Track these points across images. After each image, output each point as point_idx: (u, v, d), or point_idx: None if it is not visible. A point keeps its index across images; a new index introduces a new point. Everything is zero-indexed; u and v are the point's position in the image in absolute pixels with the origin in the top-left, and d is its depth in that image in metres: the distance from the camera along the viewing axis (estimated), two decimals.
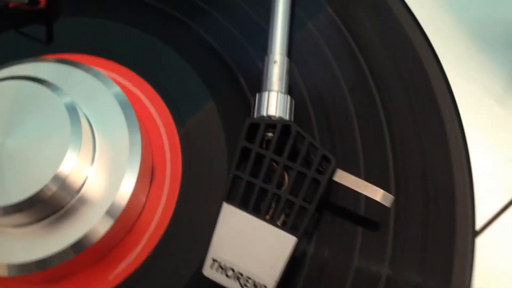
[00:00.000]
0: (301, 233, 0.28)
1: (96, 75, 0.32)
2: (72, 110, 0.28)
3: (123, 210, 0.29)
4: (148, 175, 0.32)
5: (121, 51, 0.36)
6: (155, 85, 0.35)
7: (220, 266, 0.28)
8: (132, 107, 0.31)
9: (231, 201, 0.29)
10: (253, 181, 0.29)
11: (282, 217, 0.29)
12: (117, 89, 0.32)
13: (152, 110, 0.35)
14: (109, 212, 0.29)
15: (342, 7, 0.36)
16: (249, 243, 0.28)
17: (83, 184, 0.29)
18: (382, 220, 0.31)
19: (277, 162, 0.29)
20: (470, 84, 0.38)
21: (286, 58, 0.32)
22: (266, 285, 0.28)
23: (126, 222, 0.31)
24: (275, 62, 0.32)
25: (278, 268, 0.28)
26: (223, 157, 0.33)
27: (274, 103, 0.31)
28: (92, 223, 0.28)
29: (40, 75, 0.30)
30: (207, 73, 0.35)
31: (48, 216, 0.29)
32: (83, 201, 0.29)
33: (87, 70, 0.32)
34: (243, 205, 0.29)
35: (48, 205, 0.28)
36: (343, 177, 0.29)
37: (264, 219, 0.29)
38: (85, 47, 0.36)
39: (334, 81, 0.34)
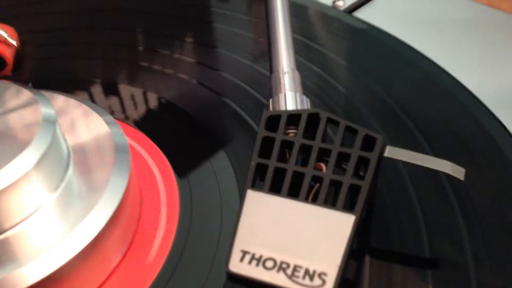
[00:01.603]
0: (360, 210, 0.20)
1: (95, 109, 0.26)
2: (48, 122, 0.22)
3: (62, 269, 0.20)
4: (127, 229, 0.24)
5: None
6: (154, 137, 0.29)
7: (254, 258, 0.19)
8: (129, 152, 0.25)
9: (258, 188, 0.22)
10: (283, 167, 0.22)
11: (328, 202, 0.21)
12: (118, 129, 0.26)
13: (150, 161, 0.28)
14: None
15: None
16: (291, 230, 0.20)
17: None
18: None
19: (307, 151, 0.23)
20: None
21: (297, 72, 0.28)
22: (326, 272, 0.19)
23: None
24: (285, 73, 0.28)
25: (338, 252, 0.19)
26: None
27: (292, 101, 0.26)
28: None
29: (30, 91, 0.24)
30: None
31: None
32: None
33: (87, 103, 0.27)
34: (274, 191, 0.21)
35: None
36: (397, 153, 0.23)
37: (306, 201, 0.21)
38: None
39: None
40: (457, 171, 0.22)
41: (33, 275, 0.19)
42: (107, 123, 0.25)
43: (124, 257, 0.24)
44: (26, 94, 0.23)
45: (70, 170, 0.23)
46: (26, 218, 0.21)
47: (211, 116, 0.30)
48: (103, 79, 0.33)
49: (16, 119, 0.22)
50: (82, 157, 0.24)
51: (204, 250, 0.23)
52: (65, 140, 0.24)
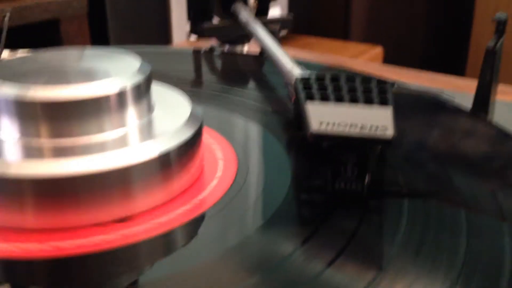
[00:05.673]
0: (392, 104, 0.28)
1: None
2: (143, 69, 0.27)
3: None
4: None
5: None
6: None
7: (329, 123, 0.26)
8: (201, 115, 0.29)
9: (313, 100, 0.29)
10: (327, 96, 0.30)
11: None
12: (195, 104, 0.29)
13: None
14: None
15: None
16: (349, 113, 0.27)
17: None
18: None
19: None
20: None
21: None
22: (386, 125, 0.26)
23: None
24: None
25: (388, 118, 0.27)
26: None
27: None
28: None
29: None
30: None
31: None
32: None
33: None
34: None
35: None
36: (403, 89, 0.31)
37: (350, 103, 0.28)
38: None
39: None
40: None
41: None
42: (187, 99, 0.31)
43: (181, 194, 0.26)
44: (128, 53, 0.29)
45: (154, 112, 0.28)
46: (110, 130, 0.25)
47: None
48: None
49: (125, 64, 0.27)
50: (163, 110, 0.29)
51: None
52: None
